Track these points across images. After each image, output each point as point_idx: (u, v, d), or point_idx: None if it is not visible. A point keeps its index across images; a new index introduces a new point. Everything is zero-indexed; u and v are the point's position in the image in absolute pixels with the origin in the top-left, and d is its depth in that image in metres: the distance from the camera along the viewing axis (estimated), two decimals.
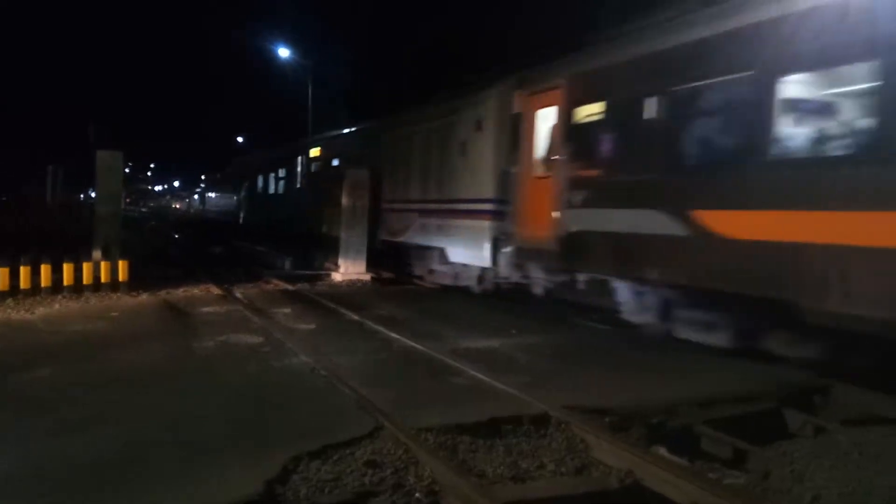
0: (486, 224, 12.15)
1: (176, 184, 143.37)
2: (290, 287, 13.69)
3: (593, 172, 9.70)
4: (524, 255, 11.37)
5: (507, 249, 11.69)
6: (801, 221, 6.71)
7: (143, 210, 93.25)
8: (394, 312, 10.78)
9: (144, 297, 11.78)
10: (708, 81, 7.95)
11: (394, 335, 8.68)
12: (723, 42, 7.79)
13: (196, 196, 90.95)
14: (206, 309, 10.65)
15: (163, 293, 12.11)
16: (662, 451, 4.93)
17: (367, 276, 15.22)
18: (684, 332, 8.54)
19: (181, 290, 12.61)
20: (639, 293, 9.16)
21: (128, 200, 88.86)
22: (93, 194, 16.61)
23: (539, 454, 4.85)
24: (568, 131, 10.36)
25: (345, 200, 15.31)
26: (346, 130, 21.72)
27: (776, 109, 7.13)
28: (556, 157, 10.59)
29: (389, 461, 4.58)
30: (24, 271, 11.23)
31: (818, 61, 6.87)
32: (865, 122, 6.50)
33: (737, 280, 7.45)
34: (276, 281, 14.47)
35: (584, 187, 9.81)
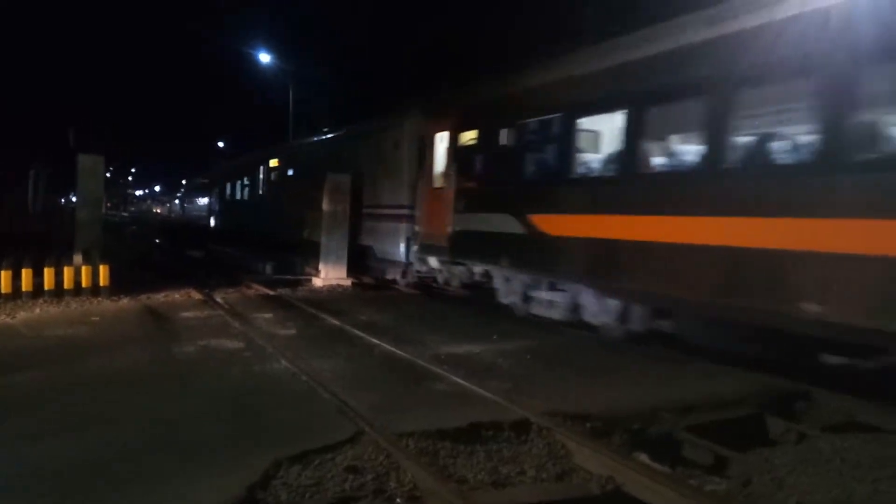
0: (402, 226, 14.73)
1: (157, 188, 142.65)
2: (270, 292, 13.63)
3: (471, 185, 12.35)
4: (427, 251, 13.87)
5: (415, 246, 14.24)
6: (590, 222, 9.28)
7: (125, 214, 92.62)
8: (374, 317, 10.75)
9: (125, 301, 11.68)
10: (537, 118, 10.93)
11: (375, 340, 8.65)
12: (542, 90, 10.72)
13: (177, 201, 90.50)
14: (186, 314, 10.57)
15: (144, 298, 12.01)
16: (643, 457, 4.93)
17: (348, 282, 15.18)
18: (538, 310, 10.64)
19: (162, 294, 12.52)
20: (507, 279, 11.45)
21: (108, 205, 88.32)
22: (74, 198, 16.48)
23: (520, 460, 4.84)
24: (455, 152, 12.98)
25: (325, 205, 15.29)
26: (314, 138, 22.77)
27: (576, 141, 10.00)
28: (449, 172, 13.05)
29: (370, 466, 4.55)
30: (4, 275, 11.14)
31: (594, 108, 9.69)
32: (621, 153, 9.13)
33: (559, 269, 10.01)
34: (256, 286, 14.39)
35: (466, 196, 12.39)
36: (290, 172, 22.54)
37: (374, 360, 7.81)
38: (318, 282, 15.10)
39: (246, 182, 27.85)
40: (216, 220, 33.73)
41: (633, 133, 8.74)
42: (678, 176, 8.59)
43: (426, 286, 14.59)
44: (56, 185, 30.65)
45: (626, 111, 8.85)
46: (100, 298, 11.72)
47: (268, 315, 10.77)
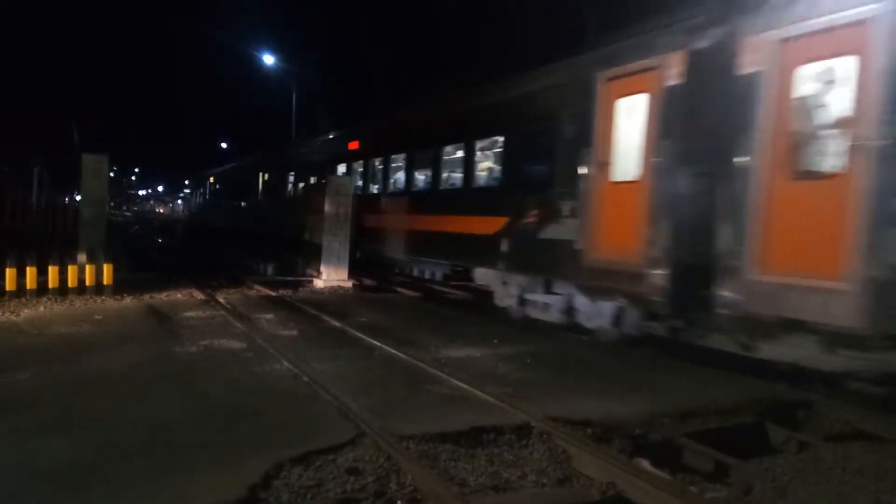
0: None
1: (160, 188, 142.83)
2: (272, 293, 13.65)
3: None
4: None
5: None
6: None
7: (128, 214, 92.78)
8: (376, 320, 10.75)
9: (128, 300, 11.70)
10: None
11: (376, 343, 8.65)
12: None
13: (180, 201, 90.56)
14: (188, 313, 10.58)
15: (146, 297, 12.04)
16: (644, 463, 4.92)
17: (349, 283, 15.22)
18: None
19: (164, 294, 12.55)
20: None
21: (112, 204, 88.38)
22: (78, 197, 16.52)
23: (521, 464, 4.84)
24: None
25: (327, 207, 15.33)
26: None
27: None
28: None
29: (371, 468, 4.55)
30: (9, 273, 11.18)
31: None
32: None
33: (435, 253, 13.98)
34: (258, 286, 14.41)
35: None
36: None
37: (376, 362, 7.81)
38: (319, 283, 15.13)
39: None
40: (228, 220, 33.90)
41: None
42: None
43: (426, 289, 14.61)
44: (59, 183, 30.73)
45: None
46: (103, 297, 11.76)
47: (269, 316, 10.78)
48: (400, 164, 15.97)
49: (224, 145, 63.67)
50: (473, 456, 4.90)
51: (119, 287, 12.25)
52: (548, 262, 10.18)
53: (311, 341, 8.88)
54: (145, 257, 21.06)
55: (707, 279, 7.41)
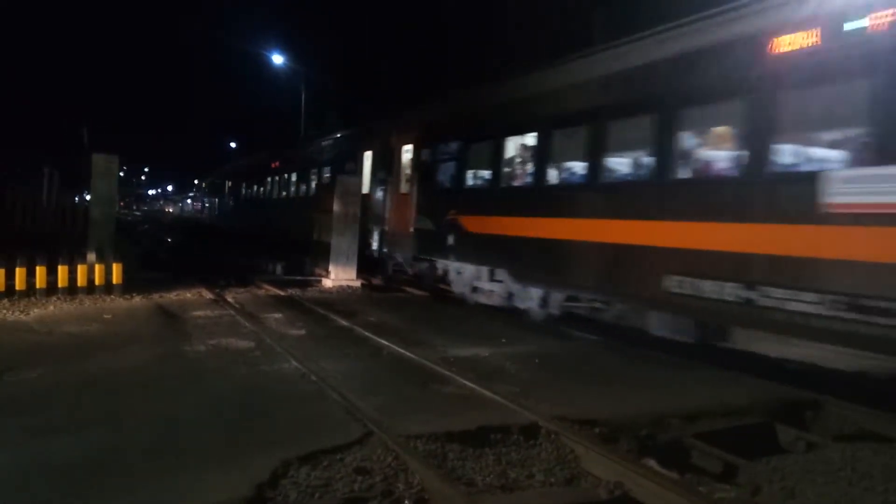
0: None
1: (169, 188, 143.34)
2: (280, 292, 13.68)
3: None
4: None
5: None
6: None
7: (137, 213, 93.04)
8: (384, 319, 10.77)
9: (137, 299, 11.76)
10: None
11: (383, 342, 8.66)
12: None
13: (189, 200, 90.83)
14: (197, 313, 10.62)
15: (155, 296, 12.08)
16: (652, 463, 4.90)
17: (358, 283, 15.23)
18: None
19: (174, 293, 12.59)
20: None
21: (122, 204, 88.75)
22: (87, 197, 16.59)
23: (528, 464, 4.84)
24: None
25: (336, 207, 15.35)
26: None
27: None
28: None
29: (379, 468, 4.55)
30: (19, 272, 11.23)
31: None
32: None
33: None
34: (266, 286, 14.45)
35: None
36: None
37: (383, 362, 7.83)
38: (327, 283, 15.15)
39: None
40: (237, 219, 34.09)
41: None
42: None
43: (434, 288, 14.63)
44: (69, 183, 30.87)
45: None
46: (112, 296, 11.82)
47: (278, 315, 10.81)
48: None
49: (233, 145, 63.88)
50: (481, 455, 4.89)
51: (128, 286, 12.30)
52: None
53: (319, 340, 8.90)
54: (154, 257, 21.12)
55: None
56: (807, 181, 6.60)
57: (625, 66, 9.19)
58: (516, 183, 11.65)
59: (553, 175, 10.70)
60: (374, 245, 16.83)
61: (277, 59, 29.93)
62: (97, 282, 11.99)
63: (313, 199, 19.78)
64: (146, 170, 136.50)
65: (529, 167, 11.23)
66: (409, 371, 7.37)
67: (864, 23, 6.22)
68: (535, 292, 10.90)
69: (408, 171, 15.61)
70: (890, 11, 6.02)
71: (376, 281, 16.24)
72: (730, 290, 7.24)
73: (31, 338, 8.40)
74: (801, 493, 4.64)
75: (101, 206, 13.45)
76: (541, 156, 10.85)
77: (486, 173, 12.42)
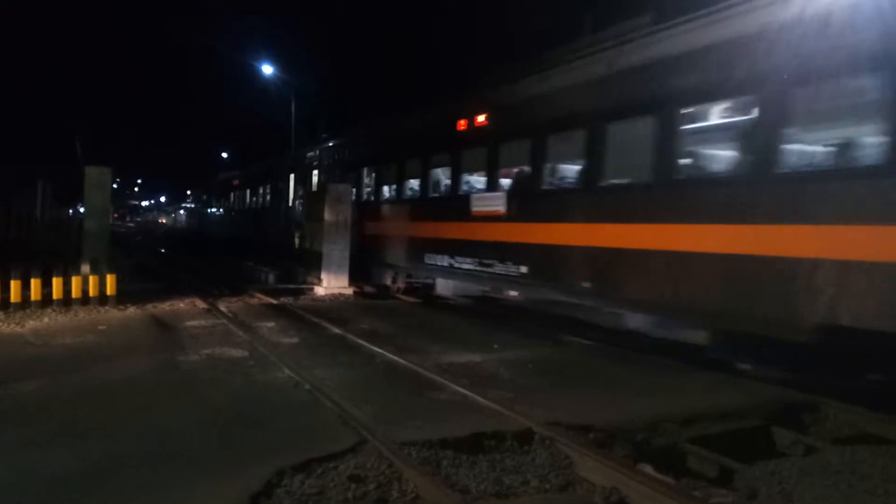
0: None
1: (163, 199, 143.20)
2: (273, 301, 13.64)
3: None
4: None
5: None
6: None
7: (131, 225, 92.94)
8: (376, 326, 10.74)
9: (132, 310, 11.72)
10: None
11: (377, 349, 8.63)
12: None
13: (182, 211, 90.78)
14: (191, 323, 10.58)
15: (149, 307, 12.05)
16: (648, 468, 4.87)
17: (350, 291, 15.22)
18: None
19: (167, 303, 12.55)
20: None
21: (115, 216, 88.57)
22: (81, 209, 16.56)
23: (523, 470, 4.80)
24: None
25: (327, 216, 15.34)
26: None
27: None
28: None
29: (373, 475, 4.52)
30: (14, 285, 11.19)
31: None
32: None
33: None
34: (259, 295, 14.41)
35: None
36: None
37: (376, 369, 7.80)
38: (320, 291, 15.13)
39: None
40: (229, 229, 34.49)
41: None
42: None
43: (426, 296, 14.64)
44: (63, 196, 30.83)
45: None
46: (107, 307, 11.79)
47: (271, 324, 10.77)
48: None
49: (224, 154, 63.81)
50: (475, 462, 4.86)
51: (122, 297, 12.27)
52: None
53: (312, 349, 8.87)
54: (148, 267, 21.07)
55: None
56: (466, 198, 12.43)
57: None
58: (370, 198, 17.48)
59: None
60: (297, 244, 19.60)
61: (267, 69, 29.89)
62: (91, 293, 11.97)
63: (261, 210, 26.67)
64: (139, 181, 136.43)
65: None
66: (402, 378, 7.33)
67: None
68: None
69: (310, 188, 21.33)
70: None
71: (368, 288, 16.22)
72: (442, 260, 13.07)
73: (27, 350, 8.37)
74: (799, 497, 4.61)
75: (94, 218, 13.41)
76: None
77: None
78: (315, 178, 21.75)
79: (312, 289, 15.53)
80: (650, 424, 5.75)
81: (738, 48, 7.40)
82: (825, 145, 7.47)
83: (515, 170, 11.72)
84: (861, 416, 6.24)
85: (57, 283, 11.63)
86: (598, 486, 4.59)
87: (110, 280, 12.16)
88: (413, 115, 15.79)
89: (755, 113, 7.33)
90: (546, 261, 10.25)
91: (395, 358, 8.14)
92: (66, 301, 11.64)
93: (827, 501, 4.54)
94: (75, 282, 11.86)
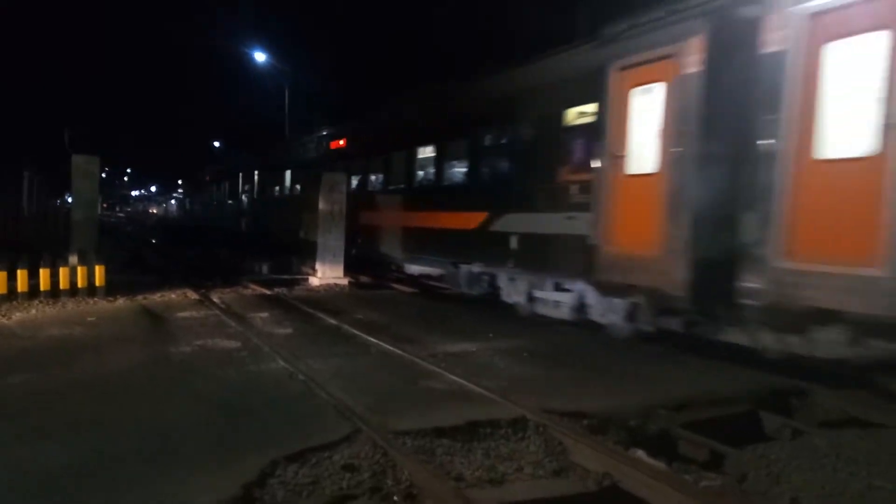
0: None
1: (153, 189, 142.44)
2: (267, 291, 13.62)
3: None
4: None
5: None
6: None
7: (121, 215, 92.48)
8: (371, 316, 10.75)
9: (121, 302, 11.66)
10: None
11: (371, 339, 8.65)
12: None
13: (173, 201, 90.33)
14: (183, 314, 10.55)
15: (140, 298, 11.99)
16: (640, 453, 4.94)
17: (345, 281, 15.19)
18: None
19: (158, 294, 12.50)
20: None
21: (105, 206, 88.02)
22: (69, 199, 16.46)
23: (517, 457, 4.85)
24: None
25: (322, 205, 15.27)
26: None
27: None
28: None
29: (367, 465, 4.55)
30: (0, 276, 11.09)
31: None
32: None
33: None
34: (253, 285, 14.38)
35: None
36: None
37: (371, 359, 7.81)
38: (314, 281, 15.10)
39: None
40: (225, 219, 34.40)
41: None
42: None
43: (422, 285, 14.63)
44: (50, 187, 30.62)
45: None
46: (96, 299, 11.70)
47: (264, 314, 10.77)
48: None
49: (216, 144, 63.53)
50: (469, 450, 4.90)
51: (112, 288, 12.18)
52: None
53: (306, 339, 8.87)
54: (138, 258, 20.97)
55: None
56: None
57: None
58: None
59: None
60: (291, 233, 20.89)
61: (260, 56, 29.75)
62: (80, 284, 11.86)
63: (254, 199, 28.22)
64: (129, 171, 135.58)
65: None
66: (396, 368, 7.36)
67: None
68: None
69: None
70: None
71: (364, 278, 16.22)
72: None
73: (14, 342, 8.30)
74: (787, 480, 4.69)
75: (82, 208, 13.30)
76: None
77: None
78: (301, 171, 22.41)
79: (307, 279, 15.50)
80: (642, 410, 5.81)
81: None
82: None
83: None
84: (847, 400, 6.33)
85: (44, 274, 11.51)
86: (592, 472, 4.66)
87: (99, 271, 12.07)
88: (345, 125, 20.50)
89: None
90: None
91: (390, 347, 8.16)
92: (54, 292, 11.52)
93: (814, 484, 4.61)
94: (63, 273, 11.73)
